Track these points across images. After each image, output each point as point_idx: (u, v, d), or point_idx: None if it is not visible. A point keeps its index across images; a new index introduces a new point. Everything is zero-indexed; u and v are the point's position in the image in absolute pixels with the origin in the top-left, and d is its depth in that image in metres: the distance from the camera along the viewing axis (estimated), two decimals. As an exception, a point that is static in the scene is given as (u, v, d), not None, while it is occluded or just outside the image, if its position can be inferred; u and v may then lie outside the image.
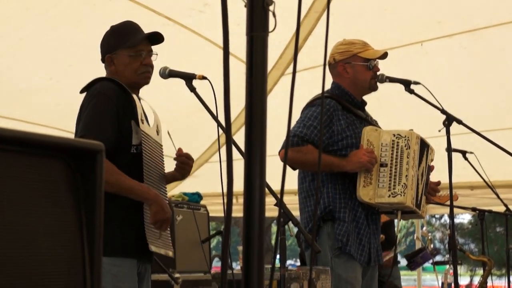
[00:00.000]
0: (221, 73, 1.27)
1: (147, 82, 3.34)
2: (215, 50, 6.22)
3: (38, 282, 1.21)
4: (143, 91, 3.43)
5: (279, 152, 3.86)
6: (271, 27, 1.26)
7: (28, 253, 1.21)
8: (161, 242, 3.25)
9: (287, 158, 3.55)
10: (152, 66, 3.33)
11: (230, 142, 1.24)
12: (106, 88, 3.21)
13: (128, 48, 3.28)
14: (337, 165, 3.84)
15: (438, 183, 4.31)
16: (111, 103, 3.15)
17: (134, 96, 3.28)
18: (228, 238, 1.32)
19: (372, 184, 3.83)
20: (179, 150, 3.39)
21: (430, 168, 4.11)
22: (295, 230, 3.47)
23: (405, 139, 3.86)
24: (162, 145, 3.42)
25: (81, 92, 3.27)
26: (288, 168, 3.87)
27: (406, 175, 3.82)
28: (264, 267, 1.20)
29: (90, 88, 3.24)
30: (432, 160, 4.12)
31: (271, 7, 1.27)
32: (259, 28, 1.24)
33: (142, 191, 3.13)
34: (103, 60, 3.36)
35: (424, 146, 3.99)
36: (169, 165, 3.46)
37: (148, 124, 3.32)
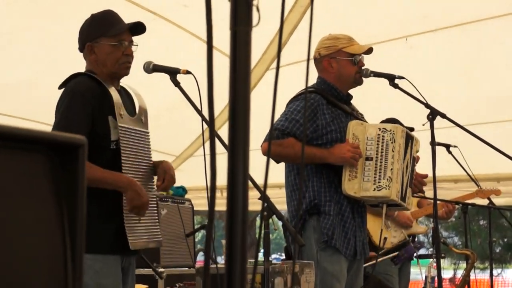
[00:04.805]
0: (205, 68, 1.27)
1: (127, 73, 3.30)
2: (200, 44, 6.20)
3: (18, 278, 1.20)
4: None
5: (261, 146, 3.86)
6: (254, 22, 1.25)
7: (8, 248, 1.19)
8: (145, 236, 3.23)
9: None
10: (132, 57, 3.30)
11: (213, 136, 1.24)
12: (81, 85, 3.17)
13: (110, 37, 3.24)
14: (319, 156, 3.85)
15: (425, 176, 4.31)
16: (85, 101, 3.12)
17: (112, 89, 3.23)
18: (212, 232, 1.32)
19: (357, 178, 3.84)
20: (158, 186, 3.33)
21: (416, 159, 4.13)
22: (280, 224, 3.47)
23: (390, 133, 3.88)
24: (148, 132, 3.38)
25: (59, 88, 3.24)
26: (272, 162, 3.87)
27: (391, 169, 3.84)
28: (247, 261, 1.20)
29: (66, 85, 3.21)
30: (417, 151, 4.14)
31: (254, 2, 1.27)
32: (243, 22, 1.24)
33: (115, 179, 3.10)
34: (81, 49, 3.32)
35: (408, 138, 4.01)
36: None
37: (131, 115, 3.29)
